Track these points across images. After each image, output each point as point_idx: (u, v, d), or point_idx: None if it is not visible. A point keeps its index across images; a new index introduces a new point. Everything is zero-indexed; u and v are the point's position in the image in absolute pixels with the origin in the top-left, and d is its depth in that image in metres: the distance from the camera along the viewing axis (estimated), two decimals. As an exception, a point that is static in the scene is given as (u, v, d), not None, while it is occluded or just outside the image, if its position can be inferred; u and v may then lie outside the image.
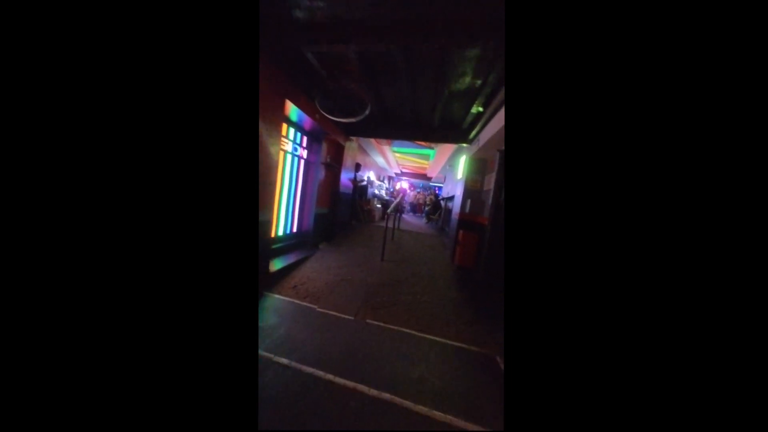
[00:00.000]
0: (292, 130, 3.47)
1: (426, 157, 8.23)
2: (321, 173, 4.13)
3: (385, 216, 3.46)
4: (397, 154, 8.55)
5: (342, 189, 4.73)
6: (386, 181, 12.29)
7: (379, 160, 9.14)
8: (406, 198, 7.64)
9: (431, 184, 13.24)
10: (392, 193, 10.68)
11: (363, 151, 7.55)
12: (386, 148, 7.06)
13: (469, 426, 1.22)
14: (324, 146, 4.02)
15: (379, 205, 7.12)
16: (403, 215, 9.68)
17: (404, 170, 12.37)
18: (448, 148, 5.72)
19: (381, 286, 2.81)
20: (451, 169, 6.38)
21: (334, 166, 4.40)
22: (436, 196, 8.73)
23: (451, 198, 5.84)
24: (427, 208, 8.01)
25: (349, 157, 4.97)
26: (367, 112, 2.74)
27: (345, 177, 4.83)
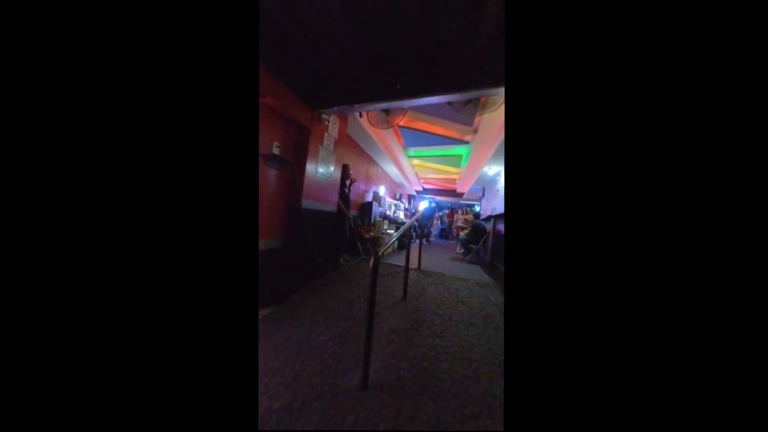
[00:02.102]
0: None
1: (456, 161, 6.02)
2: (268, 174, 2.16)
3: (374, 260, 1.25)
4: (415, 161, 6.44)
5: (317, 206, 2.68)
6: (405, 201, 10.19)
7: (392, 170, 7.11)
8: (421, 213, 4.96)
9: (462, 202, 10.87)
10: (413, 215, 8.44)
11: (367, 157, 5.59)
12: (395, 147, 5.00)
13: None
14: (261, 121, 2.07)
15: (390, 231, 4.93)
16: (429, 240, 7.34)
17: (426, 186, 10.24)
18: (497, 133, 3.50)
19: None
20: (497, 175, 4.11)
21: (291, 162, 2.40)
22: (477, 215, 6.27)
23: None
24: (463, 234, 5.55)
25: (334, 156, 2.96)
26: None
27: (327, 188, 2.78)
